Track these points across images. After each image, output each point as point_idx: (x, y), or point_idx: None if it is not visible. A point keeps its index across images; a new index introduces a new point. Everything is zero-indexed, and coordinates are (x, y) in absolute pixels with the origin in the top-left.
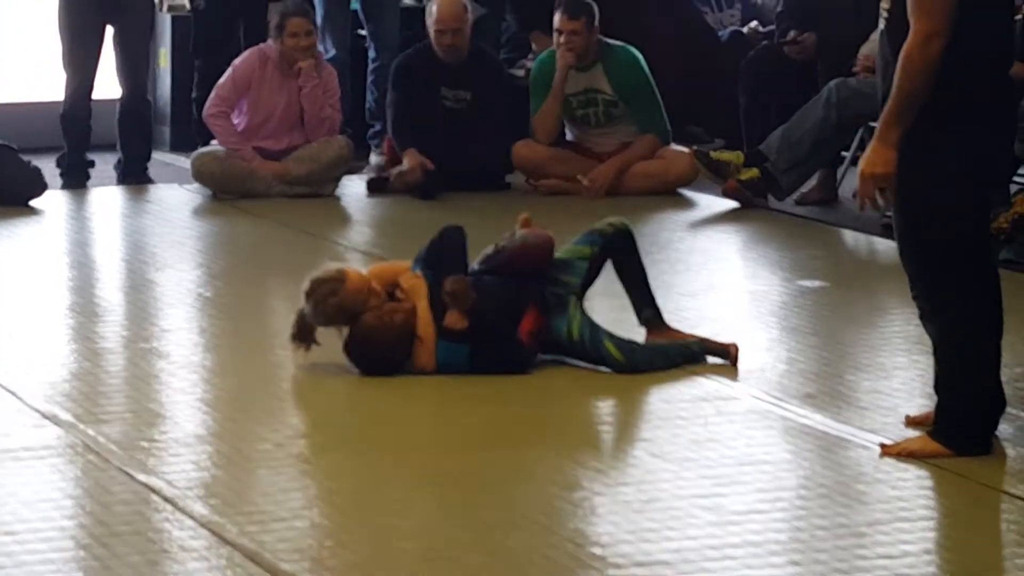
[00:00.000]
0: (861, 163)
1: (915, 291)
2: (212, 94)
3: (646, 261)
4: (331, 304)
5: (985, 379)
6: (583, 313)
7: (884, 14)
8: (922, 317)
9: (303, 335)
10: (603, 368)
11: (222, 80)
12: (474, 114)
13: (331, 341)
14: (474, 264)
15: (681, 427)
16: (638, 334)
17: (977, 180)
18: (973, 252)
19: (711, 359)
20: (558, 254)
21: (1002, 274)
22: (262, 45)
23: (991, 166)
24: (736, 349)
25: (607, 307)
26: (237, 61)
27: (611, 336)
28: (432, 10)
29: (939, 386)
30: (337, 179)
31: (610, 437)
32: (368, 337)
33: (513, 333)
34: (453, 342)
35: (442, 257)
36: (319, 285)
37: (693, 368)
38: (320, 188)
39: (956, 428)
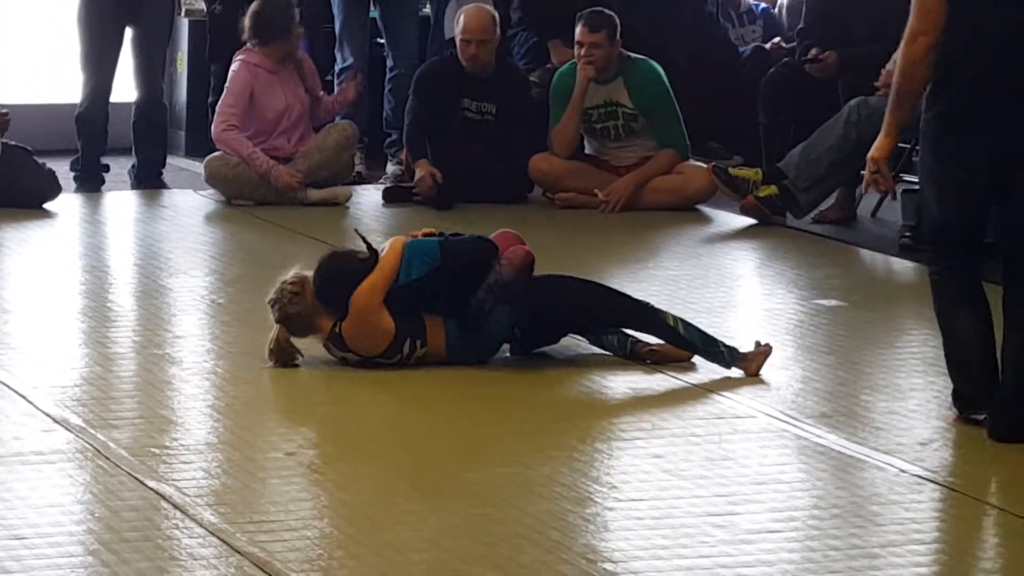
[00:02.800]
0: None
1: None
2: (216, 116)
3: (662, 277)
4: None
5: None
6: None
7: None
8: None
9: (282, 356)
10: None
11: (222, 101)
12: (497, 127)
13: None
14: (480, 293)
15: (695, 444)
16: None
17: (953, 178)
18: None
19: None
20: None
21: None
22: (240, 56)
23: (970, 164)
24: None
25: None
26: (231, 77)
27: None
28: (460, 20)
29: None
30: (350, 166)
31: (624, 453)
32: (327, 256)
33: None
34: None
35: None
36: (283, 293)
37: (708, 386)
38: (336, 177)
39: None
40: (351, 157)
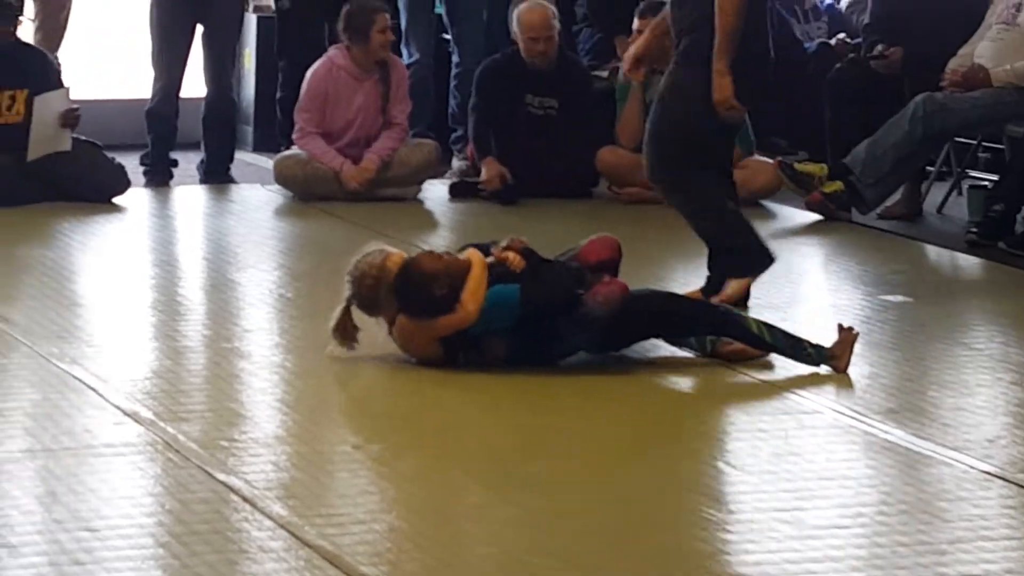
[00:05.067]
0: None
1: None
2: (296, 117)
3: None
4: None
5: None
6: None
7: None
8: None
9: (343, 333)
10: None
11: (300, 101)
12: (560, 122)
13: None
14: (561, 323)
15: (762, 440)
16: None
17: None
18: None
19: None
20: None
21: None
22: (329, 53)
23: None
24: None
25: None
26: (308, 76)
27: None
28: (521, 18)
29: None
30: (421, 182)
31: (690, 448)
32: (415, 263)
33: (568, 271)
34: (504, 283)
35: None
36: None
37: (775, 381)
38: (404, 192)
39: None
40: (426, 178)
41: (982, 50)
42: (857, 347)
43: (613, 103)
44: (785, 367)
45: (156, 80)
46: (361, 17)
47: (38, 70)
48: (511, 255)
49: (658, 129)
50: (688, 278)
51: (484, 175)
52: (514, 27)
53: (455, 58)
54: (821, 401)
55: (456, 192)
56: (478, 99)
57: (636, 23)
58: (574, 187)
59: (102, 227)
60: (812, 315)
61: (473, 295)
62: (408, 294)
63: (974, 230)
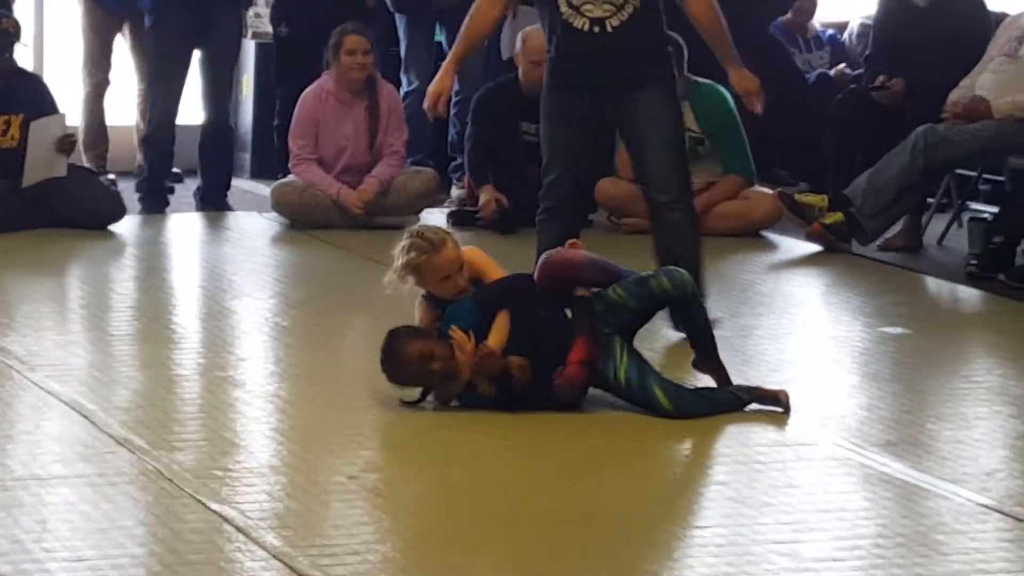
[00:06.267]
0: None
1: None
2: (290, 144)
3: (726, 303)
4: (412, 262)
5: None
6: (630, 355)
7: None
8: None
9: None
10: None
11: (292, 128)
12: None
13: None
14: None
15: (760, 471)
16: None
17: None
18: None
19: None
20: (611, 293)
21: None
22: (320, 79)
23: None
24: (787, 396)
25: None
26: (299, 102)
27: (661, 381)
28: (526, 40)
29: None
30: (419, 211)
31: (687, 479)
32: (399, 354)
33: (549, 378)
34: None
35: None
36: (417, 236)
37: (772, 413)
38: (403, 220)
39: None
40: (425, 207)
41: (984, 82)
42: (855, 379)
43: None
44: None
45: (153, 106)
46: (334, 39)
47: (34, 95)
48: (483, 386)
49: (678, 149)
50: None
51: (480, 202)
52: (517, 48)
53: (455, 86)
54: (819, 433)
55: (454, 221)
56: (473, 127)
57: None
58: None
59: (97, 254)
60: (810, 346)
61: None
62: (385, 362)
63: (974, 262)
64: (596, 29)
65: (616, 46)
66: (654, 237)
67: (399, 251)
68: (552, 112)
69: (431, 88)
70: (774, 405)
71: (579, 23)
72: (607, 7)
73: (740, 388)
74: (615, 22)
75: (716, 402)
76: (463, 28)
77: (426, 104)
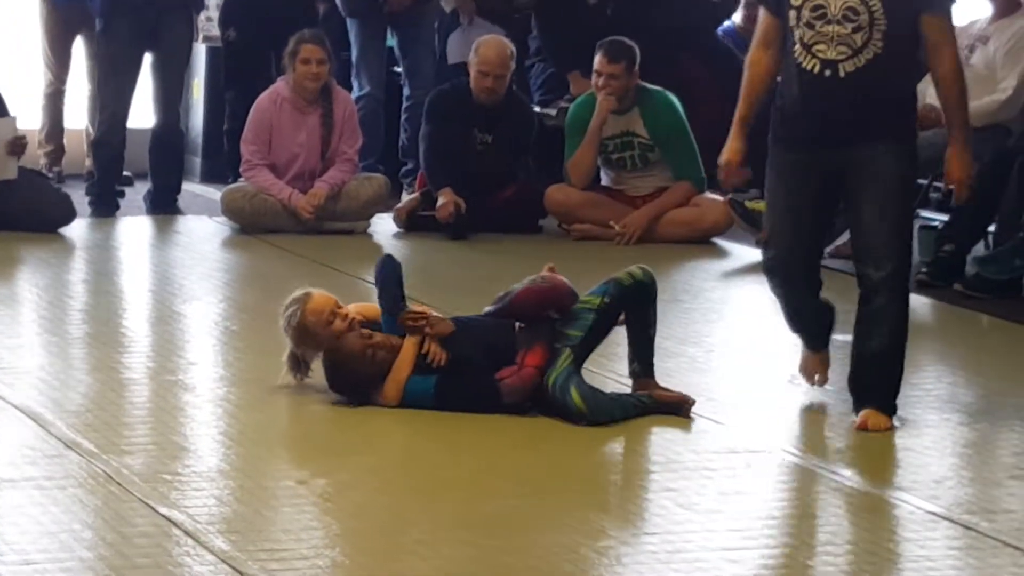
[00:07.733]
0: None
1: None
2: (242, 149)
3: (677, 310)
4: (294, 325)
5: None
6: (569, 364)
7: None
8: None
9: (294, 364)
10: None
11: (245, 133)
12: (492, 156)
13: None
14: (487, 307)
15: (709, 479)
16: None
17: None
18: None
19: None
20: (576, 306)
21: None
22: (275, 84)
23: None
24: (690, 403)
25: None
26: (253, 107)
27: (580, 384)
28: (478, 49)
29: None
30: (370, 216)
31: (638, 487)
32: (345, 362)
33: (486, 370)
34: (422, 375)
35: (380, 292)
36: (287, 307)
37: (722, 420)
38: (353, 226)
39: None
40: (375, 213)
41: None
42: (805, 386)
43: (558, 141)
44: (735, 406)
45: (103, 110)
46: (291, 46)
47: None
48: (434, 348)
49: (901, 219)
50: None
51: (439, 203)
52: (471, 56)
53: (406, 90)
54: (769, 440)
55: (407, 225)
56: (428, 126)
57: (601, 63)
58: (520, 222)
59: (47, 257)
60: (760, 353)
61: (395, 382)
62: (335, 372)
63: (924, 270)
64: (828, 73)
65: (845, 95)
66: (855, 329)
67: (283, 328)
68: (772, 165)
69: (723, 158)
70: (675, 412)
71: (808, 63)
72: (842, 49)
73: (642, 394)
74: (849, 67)
75: (623, 405)
76: (743, 86)
77: (721, 176)
